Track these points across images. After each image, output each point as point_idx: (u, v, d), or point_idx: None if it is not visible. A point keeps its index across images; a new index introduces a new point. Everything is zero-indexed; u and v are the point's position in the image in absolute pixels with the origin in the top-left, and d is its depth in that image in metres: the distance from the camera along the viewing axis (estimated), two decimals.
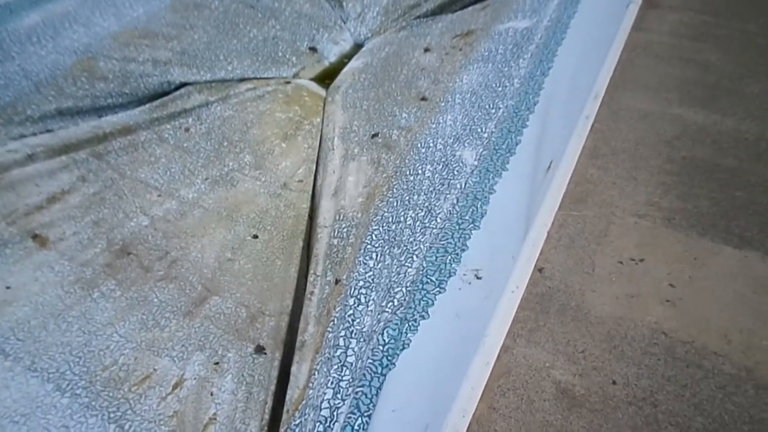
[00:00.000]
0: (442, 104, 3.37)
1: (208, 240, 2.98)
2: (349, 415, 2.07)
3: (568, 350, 1.69)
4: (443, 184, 2.89)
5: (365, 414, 2.04)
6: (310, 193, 3.27)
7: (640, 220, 1.98)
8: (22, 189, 2.95)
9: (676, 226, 1.99)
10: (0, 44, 3.31)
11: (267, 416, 2.43)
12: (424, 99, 3.54)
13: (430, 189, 2.91)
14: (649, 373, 1.66)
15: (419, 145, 3.13)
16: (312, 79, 4.00)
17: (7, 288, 2.55)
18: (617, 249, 1.92)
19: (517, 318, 1.74)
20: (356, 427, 2.01)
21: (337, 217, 3.03)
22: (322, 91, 3.88)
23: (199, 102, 3.60)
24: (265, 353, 2.64)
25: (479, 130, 3.04)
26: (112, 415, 2.28)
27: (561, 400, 1.59)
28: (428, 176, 2.99)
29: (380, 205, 2.95)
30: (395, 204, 2.91)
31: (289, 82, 3.90)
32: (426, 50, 3.94)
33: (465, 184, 2.81)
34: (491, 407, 1.57)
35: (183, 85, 3.67)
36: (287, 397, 2.44)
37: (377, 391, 2.08)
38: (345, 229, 2.96)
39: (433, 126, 3.20)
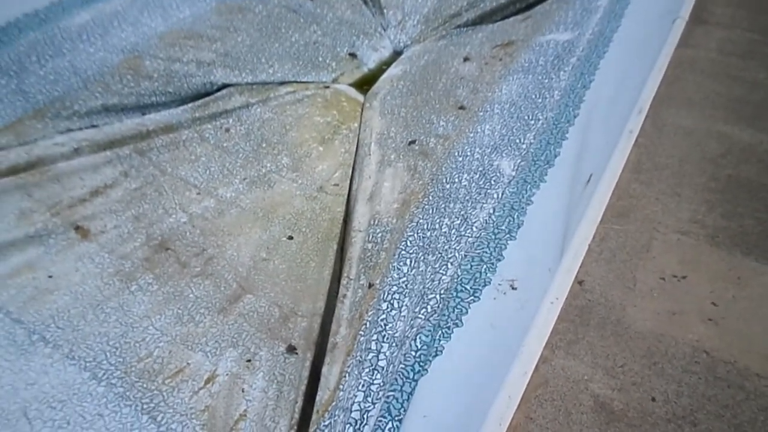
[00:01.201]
0: (481, 113, 3.37)
1: (244, 239, 3.03)
2: (379, 419, 2.08)
3: (607, 364, 1.67)
4: (480, 194, 2.89)
5: (396, 418, 2.04)
6: (346, 197, 3.29)
7: (683, 237, 1.96)
8: (67, 182, 3.03)
9: (719, 244, 1.97)
10: (52, 41, 3.41)
11: (297, 415, 2.45)
12: (462, 108, 3.55)
13: (467, 198, 2.92)
14: (690, 391, 1.64)
15: (456, 154, 3.14)
16: (351, 85, 4.04)
17: (50, 277, 2.61)
18: (659, 265, 1.91)
19: (556, 329, 1.73)
20: (386, 430, 2.02)
21: (372, 222, 3.05)
22: (360, 97, 3.91)
23: (240, 103, 3.66)
24: (297, 353, 2.66)
25: (518, 140, 3.04)
26: (145, 407, 2.32)
27: (599, 413, 1.58)
28: (465, 185, 3.00)
29: (415, 211, 2.97)
30: (431, 211, 2.92)
31: (328, 87, 3.94)
32: (465, 59, 3.95)
33: (502, 194, 2.81)
34: (528, 417, 1.56)
35: (225, 86, 3.73)
36: (317, 398, 2.45)
37: (408, 396, 2.08)
38: (379, 234, 2.97)
39: (471, 135, 3.20)
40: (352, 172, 3.43)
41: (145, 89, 3.55)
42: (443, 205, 2.94)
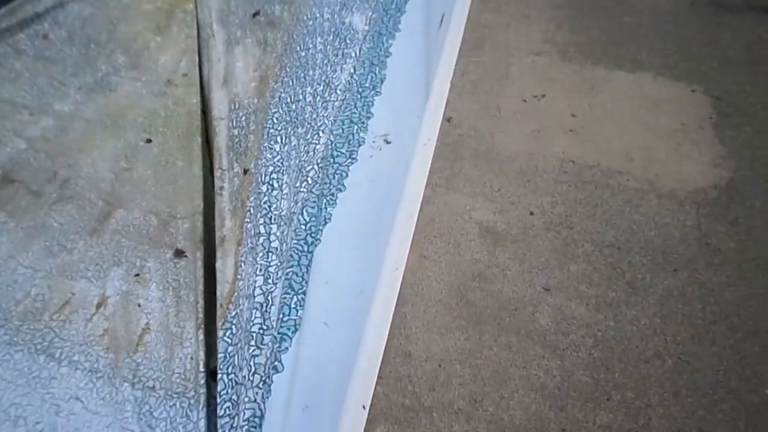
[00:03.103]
0: None
1: (97, 153, 2.78)
2: (283, 296, 2.09)
3: (485, 191, 1.74)
4: (337, 55, 2.80)
5: (299, 292, 2.06)
6: (198, 86, 3.07)
7: (537, 58, 2.01)
8: None
9: (571, 58, 2.04)
10: None
11: (201, 315, 2.41)
12: None
13: (325, 62, 2.82)
14: (562, 199, 1.76)
15: (305, 18, 2.98)
16: None
17: None
18: (519, 88, 1.96)
19: (433, 169, 1.77)
20: (293, 306, 2.04)
21: (233, 107, 2.90)
22: None
23: (51, 3, 3.21)
24: (186, 256, 2.57)
25: None
26: (38, 347, 2.19)
27: (485, 237, 1.66)
28: (320, 49, 2.88)
29: (275, 86, 2.84)
30: (291, 83, 2.80)
31: None
32: None
33: (359, 51, 2.73)
34: (421, 256, 1.62)
35: None
36: (218, 293, 2.42)
37: (307, 268, 2.10)
38: (243, 118, 2.84)
39: None
40: (199, 58, 3.19)
41: None
42: (302, 74, 2.83)
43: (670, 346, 1.58)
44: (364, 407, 1.50)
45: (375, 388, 1.50)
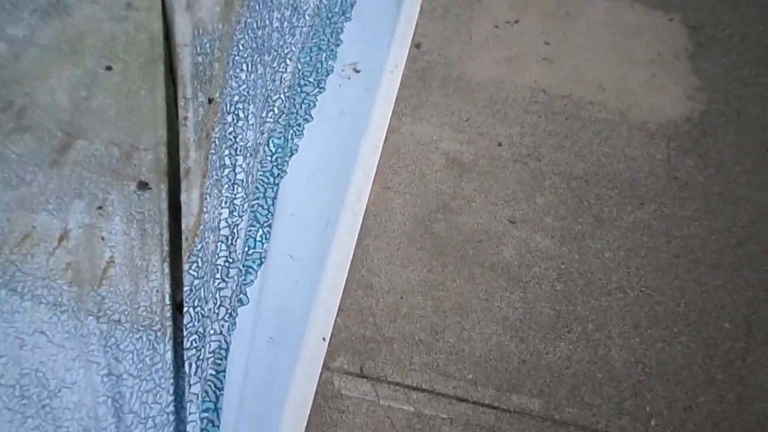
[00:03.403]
0: None
1: (55, 80, 2.65)
2: (249, 229, 2.05)
3: (453, 120, 1.69)
4: None
5: (265, 225, 2.02)
6: (161, 10, 2.91)
7: None
8: None
9: None
10: None
11: (166, 248, 2.37)
12: None
13: None
14: (532, 130, 1.71)
15: None
16: None
17: None
18: (492, 13, 1.88)
19: (401, 97, 1.70)
20: (258, 238, 2.00)
21: (197, 33, 2.76)
22: None
23: None
24: (150, 188, 2.50)
25: None
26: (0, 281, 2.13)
27: (451, 168, 1.62)
28: None
29: (241, 11, 2.70)
30: (257, 7, 2.67)
31: None
32: None
33: None
34: (385, 187, 1.58)
35: None
36: (183, 226, 2.37)
37: (273, 201, 2.05)
38: (207, 44, 2.71)
39: None
40: None
41: None
42: None
43: (633, 279, 1.58)
44: (324, 339, 1.49)
45: (336, 320, 1.49)
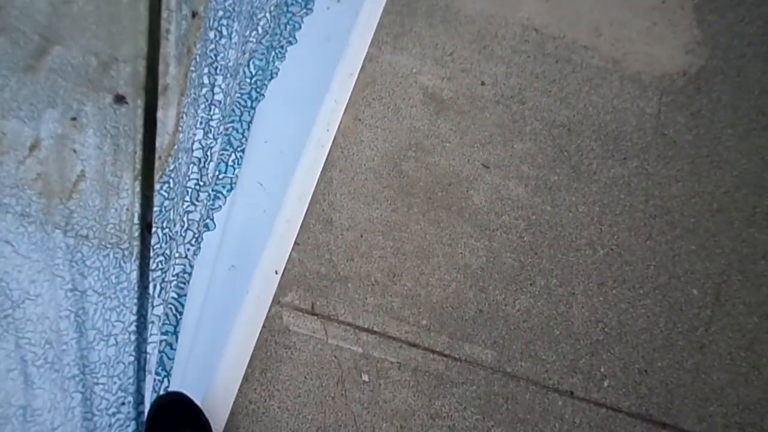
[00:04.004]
0: None
1: None
2: (221, 153, 1.96)
3: (436, 54, 1.56)
4: None
5: (238, 149, 1.93)
6: None
7: None
8: None
9: None
10: None
11: (139, 166, 2.28)
12: None
13: None
14: (518, 71, 1.59)
15: None
16: None
17: None
18: None
19: (382, 24, 1.57)
20: (230, 163, 1.92)
21: None
22: None
23: None
24: (126, 102, 2.39)
25: None
26: None
27: (428, 105, 1.51)
28: None
29: None
30: None
31: None
32: None
33: None
34: (356, 119, 1.47)
35: None
36: (157, 144, 2.27)
37: (248, 125, 1.95)
38: None
39: None
40: None
41: None
42: None
43: (605, 236, 1.50)
44: (276, 272, 1.42)
45: (291, 254, 1.41)
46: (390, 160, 1.49)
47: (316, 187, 1.46)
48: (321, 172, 1.47)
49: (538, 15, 1.65)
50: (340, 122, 1.48)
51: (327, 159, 1.47)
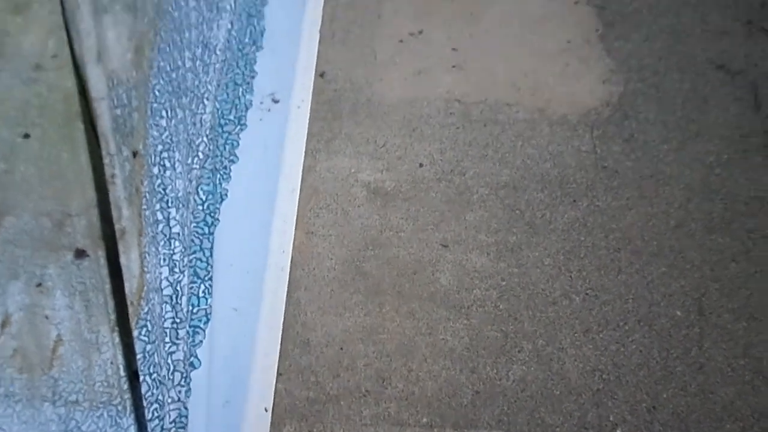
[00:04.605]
0: None
1: None
2: (190, 286, 1.93)
3: (369, 149, 1.58)
4: (212, 10, 2.51)
5: (206, 279, 1.90)
6: (72, 66, 2.74)
7: None
8: None
9: None
10: None
11: (113, 316, 2.24)
12: None
13: (200, 20, 2.52)
14: (452, 144, 1.60)
15: None
16: None
17: None
18: (394, 28, 1.76)
19: (312, 133, 1.58)
20: (201, 295, 1.88)
21: (111, 85, 2.58)
22: None
23: None
24: (88, 255, 2.36)
25: None
26: None
27: (374, 200, 1.51)
28: (193, 6, 2.58)
29: (152, 55, 2.54)
30: (168, 48, 2.51)
31: None
32: None
33: (235, 3, 2.45)
34: (309, 233, 1.47)
35: None
36: (127, 290, 2.23)
37: (210, 252, 1.93)
38: (124, 95, 2.54)
39: None
40: (68, 35, 2.83)
41: None
42: (178, 38, 2.53)
43: (576, 282, 1.49)
44: (266, 410, 1.38)
45: (276, 386, 1.38)
46: (351, 264, 1.48)
47: (286, 311, 1.44)
48: (287, 295, 1.45)
49: (456, 86, 1.68)
50: (294, 240, 1.47)
51: (289, 281, 1.46)
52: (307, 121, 1.62)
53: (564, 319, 1.43)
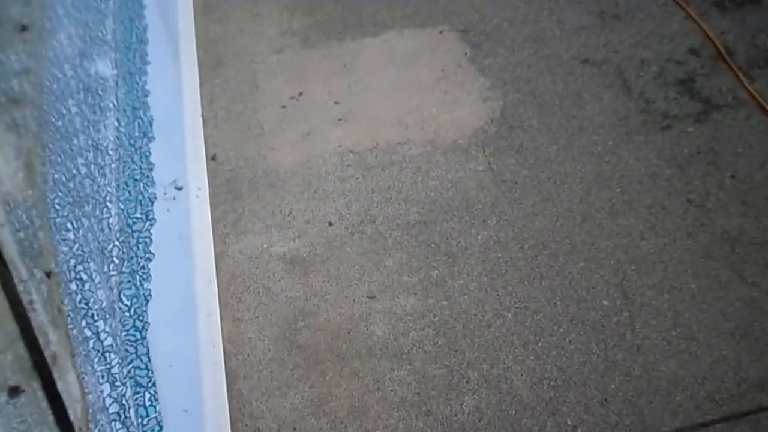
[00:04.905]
0: (47, 25, 2.77)
1: None
2: (135, 397, 1.85)
3: (277, 220, 1.57)
4: (95, 112, 2.46)
5: (149, 386, 1.82)
6: None
7: (281, 55, 1.82)
8: None
9: (315, 44, 1.87)
10: None
11: None
12: (25, 29, 2.88)
13: (85, 123, 2.47)
14: (355, 196, 1.61)
15: (48, 82, 2.59)
16: None
17: None
18: (274, 95, 1.77)
19: (216, 218, 1.56)
20: (147, 404, 1.80)
21: (8, 208, 2.48)
22: None
23: None
24: (23, 391, 2.22)
25: (100, 33, 2.57)
26: None
27: (293, 270, 1.50)
28: (76, 111, 2.52)
29: (43, 169, 2.46)
30: (58, 159, 2.43)
31: None
32: None
33: (117, 99, 2.41)
34: (235, 320, 1.44)
35: None
36: (72, 418, 2.12)
37: (148, 358, 1.85)
38: (24, 216, 2.44)
39: (46, 45, 2.64)
40: None
41: None
42: (68, 146, 2.47)
43: (505, 299, 1.51)
44: None
45: None
46: (284, 341, 1.45)
47: (230, 406, 1.39)
48: (227, 388, 1.41)
49: (346, 138, 1.70)
50: (222, 331, 1.44)
51: (227, 373, 1.42)
52: (209, 208, 1.59)
53: (501, 339, 1.45)
